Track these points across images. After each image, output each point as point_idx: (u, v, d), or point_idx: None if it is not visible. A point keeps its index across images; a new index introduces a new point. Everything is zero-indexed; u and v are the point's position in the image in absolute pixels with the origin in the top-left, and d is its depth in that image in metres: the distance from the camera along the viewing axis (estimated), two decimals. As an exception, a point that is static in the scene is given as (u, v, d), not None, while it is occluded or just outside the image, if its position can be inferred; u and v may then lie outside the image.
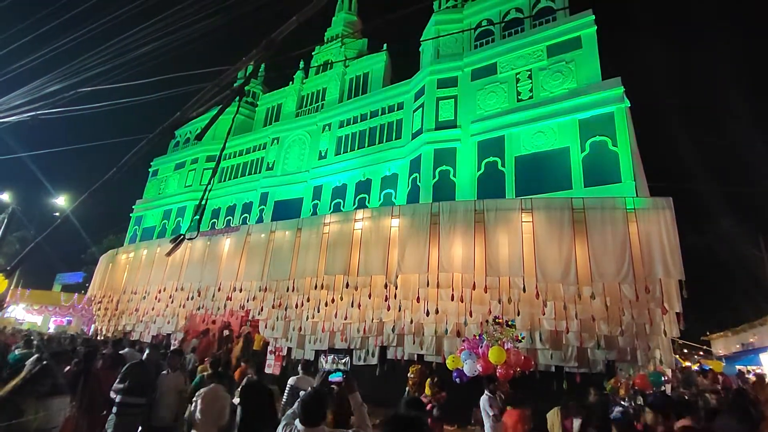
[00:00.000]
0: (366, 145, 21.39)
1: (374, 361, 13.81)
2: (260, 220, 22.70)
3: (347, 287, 14.21)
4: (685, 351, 24.14)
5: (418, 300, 12.96)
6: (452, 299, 12.63)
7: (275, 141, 25.36)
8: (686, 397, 9.94)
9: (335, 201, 21.13)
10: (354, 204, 20.20)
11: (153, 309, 19.98)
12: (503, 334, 9.91)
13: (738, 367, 13.41)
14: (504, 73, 18.03)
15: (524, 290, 12.13)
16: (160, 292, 19.51)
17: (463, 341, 10.51)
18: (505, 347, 9.47)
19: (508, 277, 12.42)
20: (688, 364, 18.67)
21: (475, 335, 10.65)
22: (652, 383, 11.40)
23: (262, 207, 23.72)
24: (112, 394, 6.36)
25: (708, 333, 25.13)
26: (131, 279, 21.57)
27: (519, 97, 17.28)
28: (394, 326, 13.66)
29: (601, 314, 11.61)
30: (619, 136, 14.41)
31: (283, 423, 3.34)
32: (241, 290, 16.64)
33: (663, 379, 11.74)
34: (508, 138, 16.72)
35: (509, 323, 10.31)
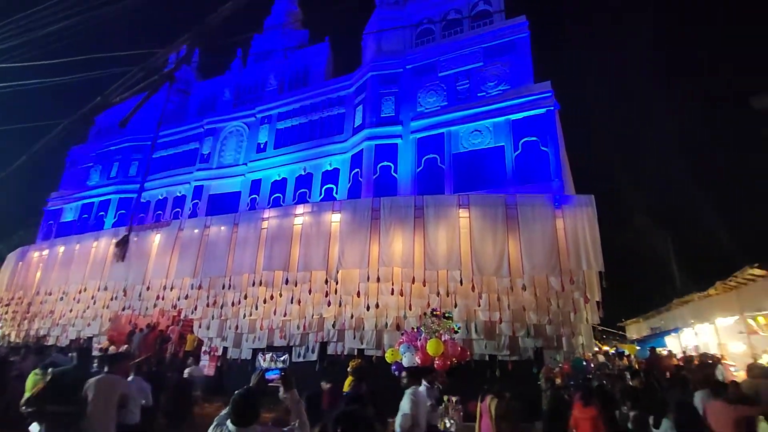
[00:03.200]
0: (307, 139, 21.01)
1: (314, 357, 13.68)
2: (194, 215, 21.58)
3: (287, 283, 13.93)
4: (604, 336, 26.38)
5: (358, 295, 13.00)
6: (392, 293, 12.80)
7: (210, 132, 24.18)
8: (604, 381, 10.79)
9: (274, 195, 20.58)
10: (294, 199, 19.80)
11: (71, 311, 18.37)
12: (441, 326, 10.21)
13: (649, 348, 14.81)
14: (444, 73, 18.47)
15: (461, 283, 12.57)
16: (80, 292, 17.98)
17: (402, 334, 10.69)
18: (443, 339, 9.76)
19: (446, 271, 12.81)
20: (606, 348, 20.41)
21: (413, 328, 10.87)
22: (575, 368, 12.28)
23: (196, 201, 22.56)
24: (37, 404, 5.74)
25: (623, 319, 27.67)
26: (46, 279, 19.68)
27: (458, 97, 17.78)
28: (334, 322, 13.59)
29: (531, 304, 12.32)
30: (548, 137, 15.29)
31: (214, 423, 3.20)
32: (172, 288, 15.75)
33: (584, 364, 12.69)
34: (447, 136, 17.16)
35: (446, 315, 10.64)
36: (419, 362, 9.20)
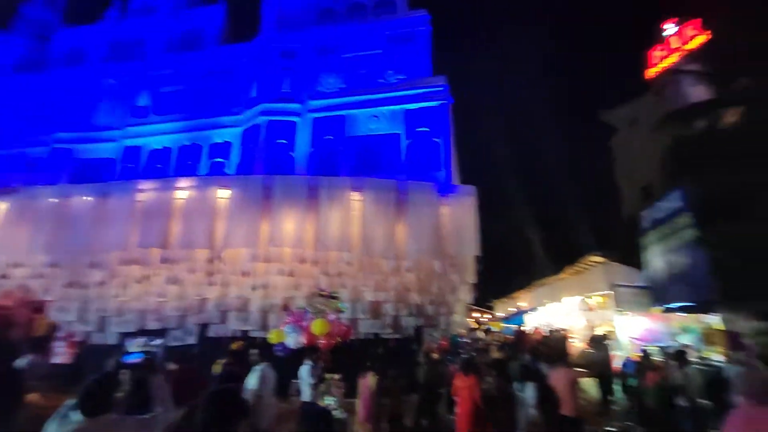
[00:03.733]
0: (195, 107, 19.38)
1: (192, 340, 12.94)
2: (52, 182, 18.67)
3: (164, 262, 12.88)
4: (477, 315, 29.32)
5: (245, 275, 12.56)
6: (281, 273, 12.61)
7: (78, 88, 20.97)
8: (473, 354, 12.00)
9: (155, 166, 18.71)
10: (178, 171, 18.22)
11: None
12: (328, 306, 10.36)
13: (515, 326, 16.77)
14: (346, 55, 18.36)
15: (350, 265, 12.86)
16: None
17: (289, 315, 10.64)
18: (329, 319, 9.93)
19: (337, 252, 12.98)
20: (478, 325, 22.67)
21: (300, 308, 10.88)
22: (452, 344, 13.41)
23: (57, 166, 19.53)
24: None
25: (493, 299, 31.03)
26: None
27: (358, 81, 17.85)
28: (217, 302, 12.97)
29: (415, 286, 13.10)
30: (440, 129, 16.17)
31: (56, 414, 2.89)
32: (21, 266, 13.59)
33: (459, 340, 13.93)
34: (346, 119, 17.18)
35: (333, 295, 10.83)
36: (305, 342, 9.26)
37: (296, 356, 8.45)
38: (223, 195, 13.52)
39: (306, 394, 7.34)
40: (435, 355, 11.36)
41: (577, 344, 14.99)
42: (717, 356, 9.45)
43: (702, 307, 10.15)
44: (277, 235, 12.85)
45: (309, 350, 8.18)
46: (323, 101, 17.52)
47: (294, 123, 17.58)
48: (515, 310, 25.12)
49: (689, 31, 22.02)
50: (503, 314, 27.09)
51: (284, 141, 17.27)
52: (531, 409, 5.74)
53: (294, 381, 7.80)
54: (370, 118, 17.09)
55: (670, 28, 23.45)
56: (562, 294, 18.39)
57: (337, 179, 14.73)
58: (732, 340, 8.84)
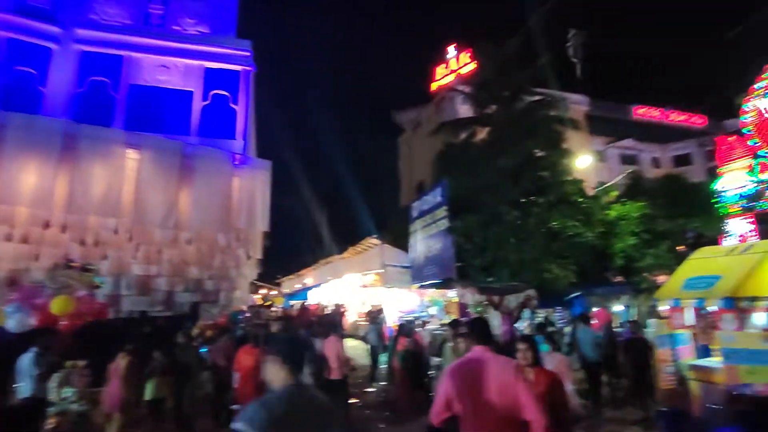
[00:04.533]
0: None
1: None
2: None
3: None
4: (263, 291, 29.24)
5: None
6: (9, 240, 9.92)
7: None
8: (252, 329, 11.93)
9: None
10: None
11: None
12: (77, 281, 8.67)
13: (291, 301, 17.34)
14: (133, -16, 15.43)
15: (116, 232, 11.06)
16: None
17: (15, 291, 8.48)
18: (77, 295, 8.32)
19: (99, 217, 10.97)
20: (261, 300, 22.66)
21: (35, 283, 8.80)
22: (231, 320, 12.97)
23: None
24: None
25: (280, 276, 31.48)
26: None
27: (148, 21, 15.27)
28: None
29: (195, 259, 12.16)
30: (240, 96, 15.26)
31: None
32: None
33: (240, 316, 13.60)
34: (126, 61, 14.49)
35: (87, 268, 9.12)
36: (36, 323, 7.53)
37: (20, 342, 6.81)
38: None
39: (27, 389, 5.98)
40: (210, 333, 10.83)
41: (355, 317, 16.57)
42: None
43: (446, 283, 12.54)
44: (7, 189, 10.02)
45: (38, 333, 6.69)
46: (99, 33, 14.34)
47: (49, 50, 13.87)
48: (301, 286, 26.05)
49: (464, 57, 26.53)
50: (289, 291, 27.76)
51: (32, 70, 13.49)
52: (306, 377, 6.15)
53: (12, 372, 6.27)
54: (158, 68, 14.87)
55: (451, 51, 27.78)
56: (344, 272, 19.91)
57: (106, 130, 12.38)
58: (462, 309, 11.18)
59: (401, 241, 16.56)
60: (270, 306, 15.88)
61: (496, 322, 10.39)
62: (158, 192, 11.78)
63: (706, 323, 4.46)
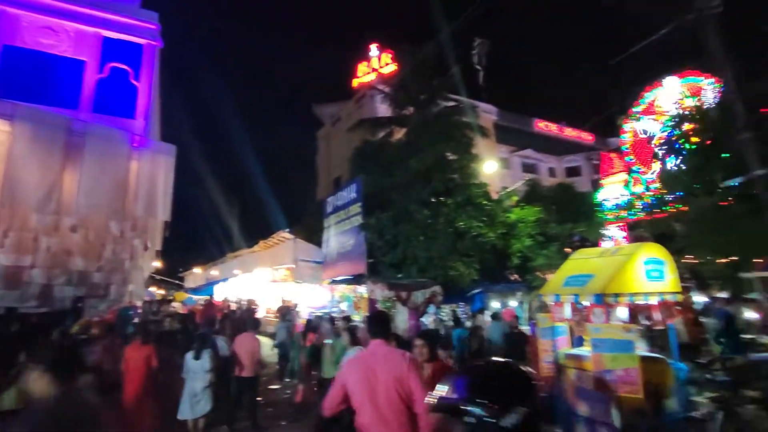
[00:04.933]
0: None
1: None
2: None
3: None
4: (163, 285, 27.00)
5: None
6: None
7: None
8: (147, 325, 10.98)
9: None
10: None
11: None
12: None
13: (194, 297, 16.34)
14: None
15: (-22, 216, 9.50)
16: None
17: None
18: None
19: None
20: (162, 295, 20.97)
21: None
22: (122, 317, 11.81)
23: None
24: None
25: (181, 270, 29.43)
26: None
27: (30, -28, 13.26)
28: None
29: (80, 248, 10.89)
30: (142, 72, 13.93)
31: None
32: None
33: (131, 312, 12.43)
34: (1, 16, 12.48)
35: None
36: None
37: None
38: None
39: None
40: (95, 331, 9.78)
41: (266, 313, 16.02)
42: (359, 318, 12.03)
43: (357, 279, 12.66)
44: None
45: None
46: (-40, -21, 12.18)
47: None
48: (206, 281, 24.56)
49: (385, 57, 26.97)
50: (194, 285, 26.02)
51: None
52: (207, 374, 5.80)
53: None
54: (41, 29, 13.01)
55: (373, 50, 28.08)
56: (254, 266, 19.17)
57: (-31, 95, 10.59)
58: (371, 305, 11.36)
59: (315, 237, 16.40)
60: (170, 301, 14.73)
61: (403, 317, 10.75)
62: (35, 171, 10.35)
63: (581, 316, 5.01)
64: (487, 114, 28.32)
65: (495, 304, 13.65)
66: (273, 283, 17.24)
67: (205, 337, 6.73)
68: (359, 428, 2.62)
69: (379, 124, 17.00)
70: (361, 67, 28.46)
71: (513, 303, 13.55)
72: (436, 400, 1.49)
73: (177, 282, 27.45)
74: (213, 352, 6.21)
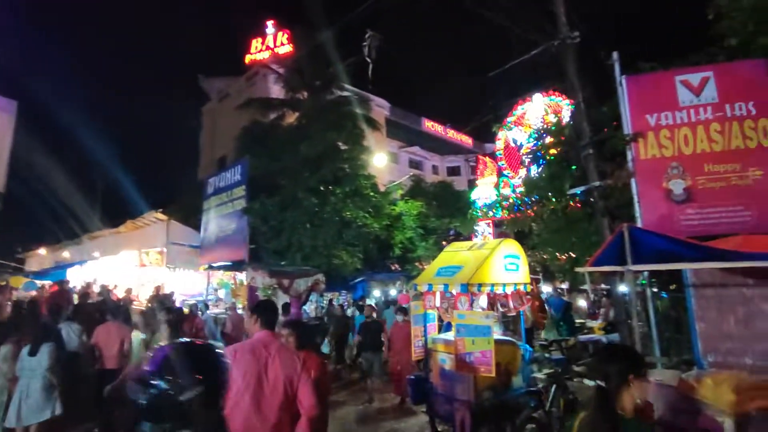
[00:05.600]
0: None
1: None
2: None
3: None
4: (-6, 267, 22.45)
5: None
6: None
7: None
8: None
9: None
10: None
11: None
12: None
13: (38, 282, 14.05)
14: None
15: None
16: None
17: None
18: None
19: None
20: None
21: None
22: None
23: None
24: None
25: (21, 250, 24.83)
26: None
27: None
28: None
29: None
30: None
31: None
32: None
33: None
34: None
35: None
36: None
37: None
38: None
39: None
40: None
41: (131, 300, 14.36)
42: (240, 305, 11.52)
43: (237, 266, 12.07)
44: None
45: None
46: None
47: None
48: (54, 264, 21.07)
49: (281, 37, 25.92)
50: (38, 268, 22.10)
51: None
52: (46, 373, 4.97)
53: None
54: None
55: (270, 27, 26.75)
56: (118, 249, 17.05)
57: None
58: (251, 293, 10.94)
59: (192, 218, 15.22)
60: (3, 286, 12.34)
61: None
62: None
63: (449, 304, 5.46)
64: (380, 108, 29.02)
65: (376, 293, 14.22)
66: (141, 268, 15.58)
67: (46, 328, 5.86)
68: (228, 421, 2.49)
69: (271, 105, 16.33)
70: (255, 43, 26.91)
71: (393, 292, 14.23)
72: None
73: (14, 264, 23.03)
74: (55, 346, 5.40)
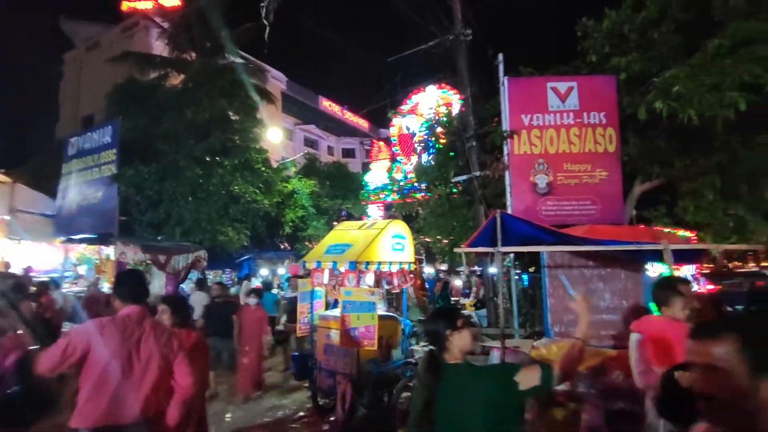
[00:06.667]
0: None
1: None
2: None
3: None
4: None
5: None
6: None
7: None
8: None
9: None
10: None
11: None
12: None
13: None
14: None
15: None
16: None
17: None
18: None
19: None
20: None
21: None
22: None
23: None
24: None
25: None
26: None
27: None
28: None
29: None
30: None
31: None
32: None
33: None
34: None
35: None
36: None
37: None
38: None
39: None
40: None
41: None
42: (107, 283, 10.30)
43: (103, 239, 10.71)
44: None
45: None
46: None
47: None
48: None
49: (168, -12, 23.17)
50: None
51: None
52: None
53: None
54: None
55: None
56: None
57: None
58: (120, 269, 9.82)
59: (45, 183, 13.08)
60: None
61: (159, 282, 9.73)
62: None
63: (337, 281, 5.56)
64: (277, 81, 27.81)
65: (264, 271, 13.81)
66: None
67: None
68: (89, 402, 2.26)
69: (152, 62, 14.61)
70: (134, -11, 23.70)
71: (281, 270, 13.96)
72: None
73: None
74: None
